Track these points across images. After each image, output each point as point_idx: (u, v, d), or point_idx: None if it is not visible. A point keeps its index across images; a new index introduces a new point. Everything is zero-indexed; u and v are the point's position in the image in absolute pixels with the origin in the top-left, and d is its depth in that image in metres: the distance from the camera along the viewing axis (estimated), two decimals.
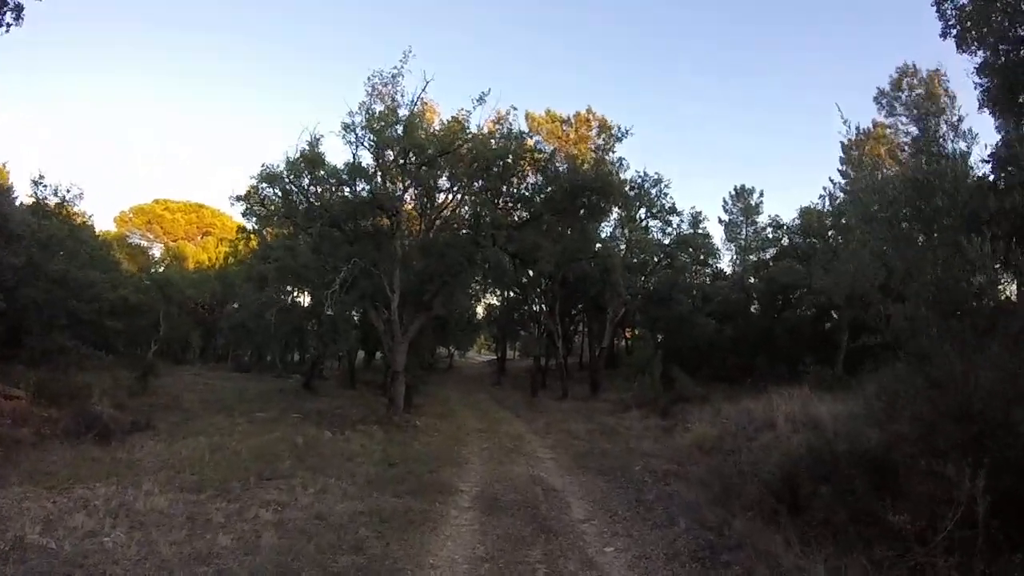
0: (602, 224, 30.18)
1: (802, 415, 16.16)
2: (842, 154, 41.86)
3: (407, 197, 21.56)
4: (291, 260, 20.45)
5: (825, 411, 15.55)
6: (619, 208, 21.16)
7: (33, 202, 26.46)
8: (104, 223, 60.32)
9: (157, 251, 57.22)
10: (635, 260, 31.38)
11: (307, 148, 19.26)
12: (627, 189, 26.12)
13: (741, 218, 40.49)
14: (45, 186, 26.48)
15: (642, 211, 31.04)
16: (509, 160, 18.98)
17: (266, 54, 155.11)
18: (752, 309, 37.07)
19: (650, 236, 31.35)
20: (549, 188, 20.91)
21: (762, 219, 39.52)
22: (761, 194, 40.78)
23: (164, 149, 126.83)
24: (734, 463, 13.29)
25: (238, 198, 20.79)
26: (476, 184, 19.75)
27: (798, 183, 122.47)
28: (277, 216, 21.33)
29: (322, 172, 19.52)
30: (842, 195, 38.05)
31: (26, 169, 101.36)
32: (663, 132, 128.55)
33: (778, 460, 12.32)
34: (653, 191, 30.15)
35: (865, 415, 13.65)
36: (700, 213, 32.66)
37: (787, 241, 31.68)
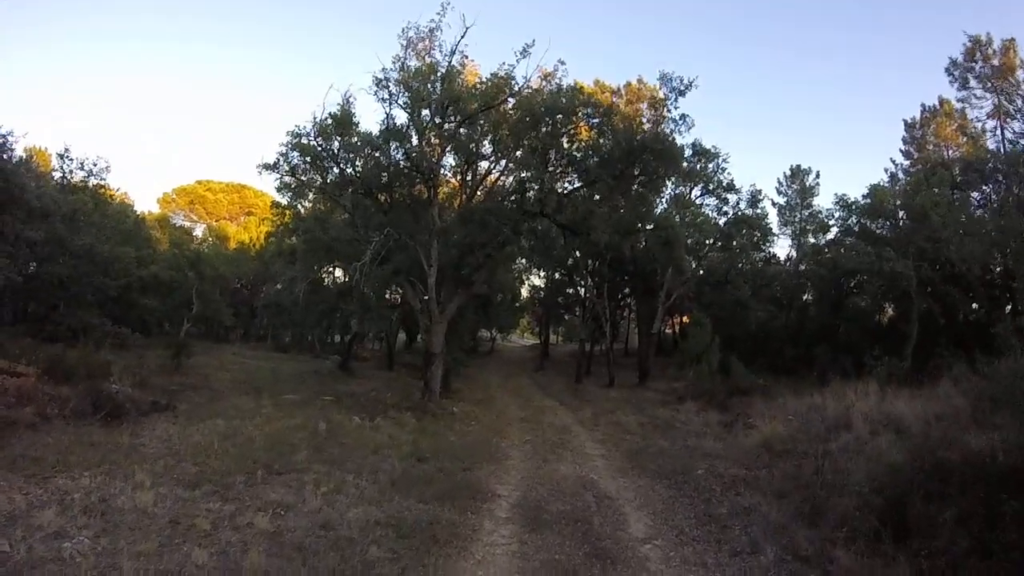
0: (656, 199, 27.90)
1: (879, 414, 14.46)
2: (905, 133, 40.03)
3: (446, 163, 19.73)
4: (321, 233, 18.74)
5: (905, 410, 14.05)
6: (678, 177, 18.65)
7: (60, 176, 25.30)
8: (149, 204, 60.17)
9: (200, 232, 56.65)
10: (689, 240, 28.94)
11: (337, 110, 17.49)
12: (690, 154, 23.43)
13: (796, 200, 37.75)
14: (71, 159, 25.29)
15: (697, 188, 28.69)
16: (559, 117, 16.79)
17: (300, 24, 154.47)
18: (805, 297, 34.42)
19: (706, 215, 28.87)
20: (604, 148, 18.41)
21: (819, 201, 36.81)
22: (817, 175, 38.00)
23: (207, 130, 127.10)
24: (816, 471, 11.20)
25: (266, 167, 19.11)
26: (522, 145, 17.49)
27: (846, 165, 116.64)
28: (308, 186, 19.66)
29: (355, 139, 17.70)
30: (903, 177, 35.43)
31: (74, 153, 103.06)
32: (713, 104, 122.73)
33: (870, 470, 10.35)
34: (710, 166, 27.83)
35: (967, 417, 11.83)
36: (760, 191, 30.09)
37: (854, 222, 28.83)
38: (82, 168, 25.71)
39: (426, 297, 17.78)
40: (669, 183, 24.12)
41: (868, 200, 28.00)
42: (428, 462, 12.07)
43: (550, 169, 17.29)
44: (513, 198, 18.54)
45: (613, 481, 11.69)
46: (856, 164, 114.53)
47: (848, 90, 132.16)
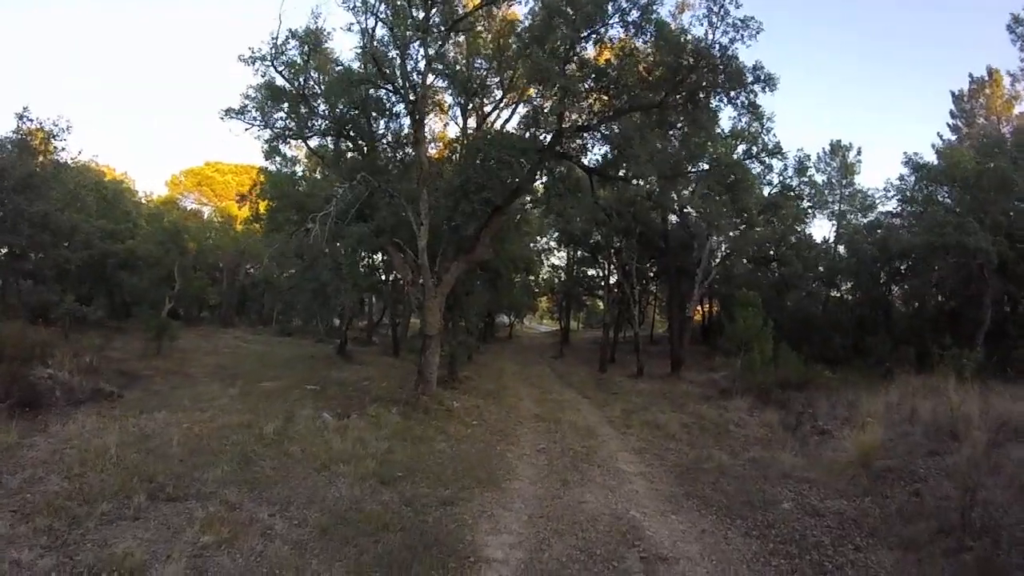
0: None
1: (993, 418, 11.00)
2: (952, 106, 36.55)
3: (438, 85, 15.60)
4: (292, 188, 14.88)
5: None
6: (742, 106, 14.04)
7: (17, 138, 21.64)
8: (158, 187, 57.51)
9: (208, 213, 53.38)
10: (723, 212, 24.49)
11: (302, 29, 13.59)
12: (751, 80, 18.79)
13: (837, 177, 33.39)
14: (30, 119, 21.65)
15: (741, 147, 24.26)
16: (586, 10, 12.32)
17: None
18: (847, 282, 29.96)
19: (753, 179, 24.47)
20: (643, 59, 13.77)
21: (860, 180, 32.40)
22: (859, 152, 33.63)
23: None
24: (961, 510, 7.32)
25: (229, 112, 15.31)
26: (534, 57, 12.96)
27: (882, 146, 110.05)
28: (282, 135, 15.81)
29: (327, 66, 13.75)
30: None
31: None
32: None
33: None
34: (755, 126, 23.50)
35: None
36: (808, 157, 25.55)
37: (919, 190, 24.31)
38: (42, 128, 21.97)
39: (418, 264, 13.74)
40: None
41: (941, 164, 23.57)
42: (395, 486, 8.25)
43: (571, 89, 12.87)
44: (525, 134, 14.22)
45: (664, 523, 7.74)
46: (891, 145, 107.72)
47: (882, 66, 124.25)
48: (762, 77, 12.97)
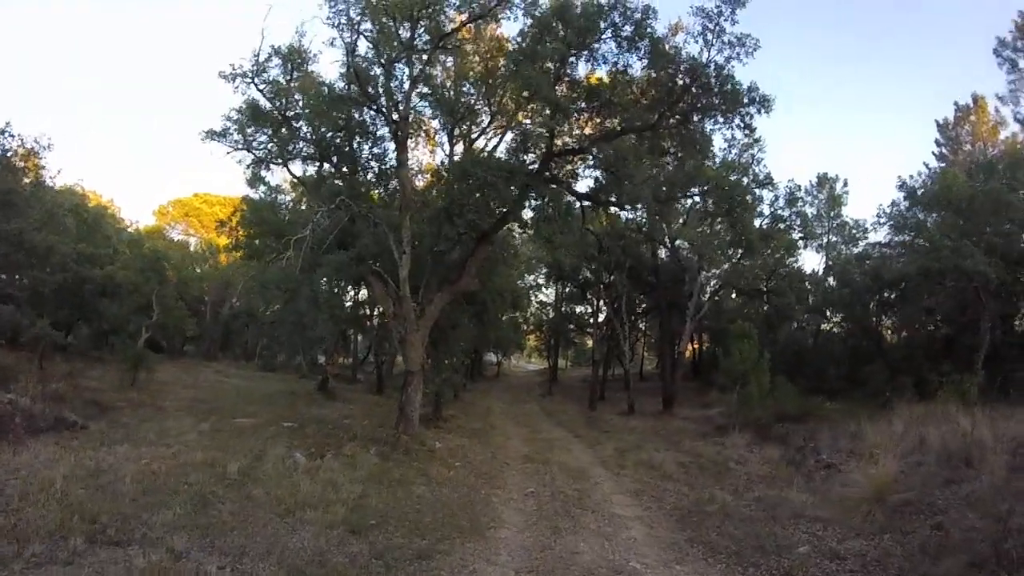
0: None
1: (1007, 442, 10.53)
2: (938, 135, 36.51)
3: (424, 113, 14.98)
4: (272, 215, 14.13)
5: None
6: (738, 127, 13.33)
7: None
8: (145, 217, 56.76)
9: (195, 245, 52.47)
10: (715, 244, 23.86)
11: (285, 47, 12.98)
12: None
13: (824, 209, 33.34)
14: (12, 135, 20.90)
15: (732, 178, 23.81)
16: (579, 25, 11.66)
17: None
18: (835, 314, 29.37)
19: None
20: (636, 81, 12.58)
21: (847, 211, 32.34)
22: (845, 184, 34.03)
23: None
24: (993, 542, 6.63)
25: (208, 134, 14.61)
26: (523, 79, 12.21)
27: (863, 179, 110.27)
28: (258, 153, 15.11)
29: (310, 90, 13.10)
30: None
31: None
32: None
33: None
34: (745, 155, 23.22)
35: None
36: (799, 187, 25.14)
37: (910, 216, 23.90)
38: (23, 145, 21.24)
39: (400, 296, 12.89)
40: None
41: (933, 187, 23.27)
42: (366, 536, 7.34)
43: (562, 106, 12.18)
44: (512, 160, 13.44)
45: (668, 574, 6.82)
46: (875, 177, 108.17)
47: (865, 96, 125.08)
48: (757, 99, 12.42)
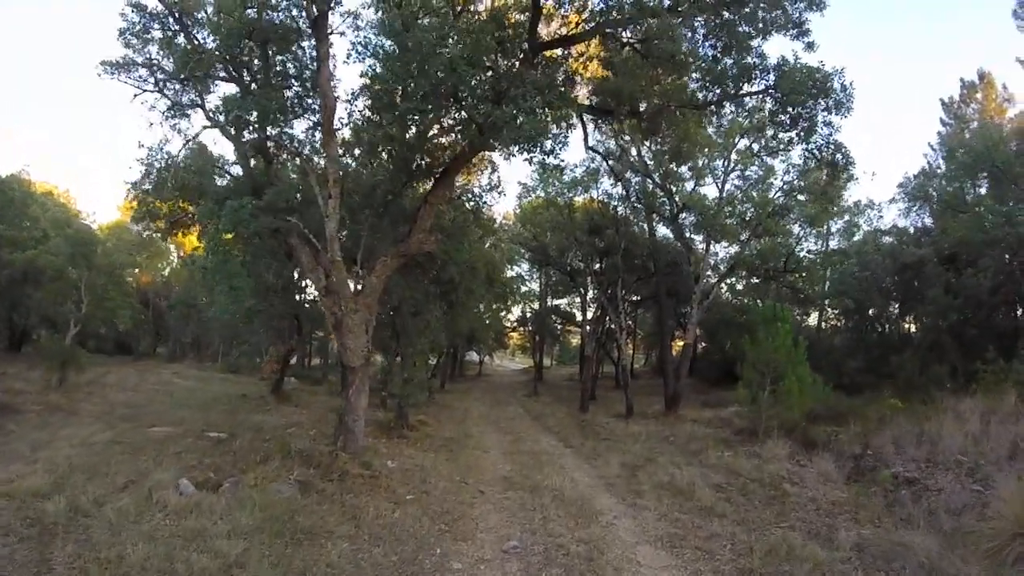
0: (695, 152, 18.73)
1: None
2: (943, 114, 33.32)
3: None
4: (188, 174, 10.16)
5: None
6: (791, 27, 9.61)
7: None
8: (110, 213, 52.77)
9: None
10: (730, 215, 19.98)
11: None
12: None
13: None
14: None
15: (743, 142, 20.08)
16: None
17: None
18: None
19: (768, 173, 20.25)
20: None
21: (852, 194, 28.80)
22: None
23: None
24: None
25: (105, 67, 10.80)
26: None
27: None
28: (169, 89, 11.18)
29: None
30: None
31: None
32: None
33: None
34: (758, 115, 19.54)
35: None
36: (820, 149, 21.25)
37: (942, 186, 20.48)
38: None
39: (329, 258, 8.93)
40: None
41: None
42: None
43: None
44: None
45: None
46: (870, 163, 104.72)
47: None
48: None
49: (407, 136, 9.15)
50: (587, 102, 10.19)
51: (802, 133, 8.88)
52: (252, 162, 10.92)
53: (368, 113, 9.07)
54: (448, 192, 10.20)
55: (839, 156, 9.38)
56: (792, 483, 9.96)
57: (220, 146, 49.19)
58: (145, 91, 11.84)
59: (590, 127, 11.43)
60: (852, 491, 9.52)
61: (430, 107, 7.34)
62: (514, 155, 9.38)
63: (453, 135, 10.14)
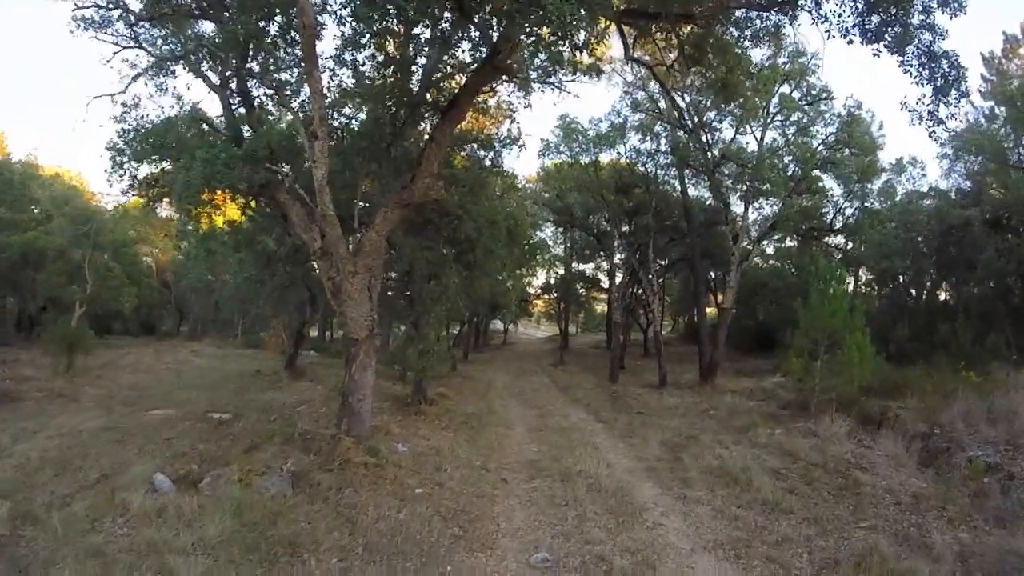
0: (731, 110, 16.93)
1: None
2: (984, 70, 30.39)
3: None
4: (165, 128, 8.83)
5: None
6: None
7: None
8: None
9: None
10: (771, 169, 18.09)
11: None
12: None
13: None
14: None
15: (775, 98, 18.17)
16: None
17: None
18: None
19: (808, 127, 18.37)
20: None
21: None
22: (881, 126, 27.62)
23: None
24: None
25: (82, 22, 9.48)
26: None
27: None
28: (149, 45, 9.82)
29: None
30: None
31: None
32: None
33: None
34: (800, 60, 17.67)
35: None
36: (860, 104, 19.34)
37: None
38: None
39: (321, 214, 7.52)
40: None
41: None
42: None
43: None
44: None
45: None
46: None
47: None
48: None
49: (406, 51, 7.66)
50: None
51: (894, 41, 7.18)
52: (238, 114, 9.58)
53: (354, 23, 7.52)
54: (452, 127, 8.56)
55: (947, 68, 7.48)
56: (861, 469, 8.54)
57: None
58: (125, 47, 10.61)
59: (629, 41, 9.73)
60: (929, 478, 8.12)
61: None
62: (536, 78, 7.89)
63: (459, 51, 8.58)
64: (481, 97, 12.14)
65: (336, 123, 8.86)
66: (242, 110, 9.71)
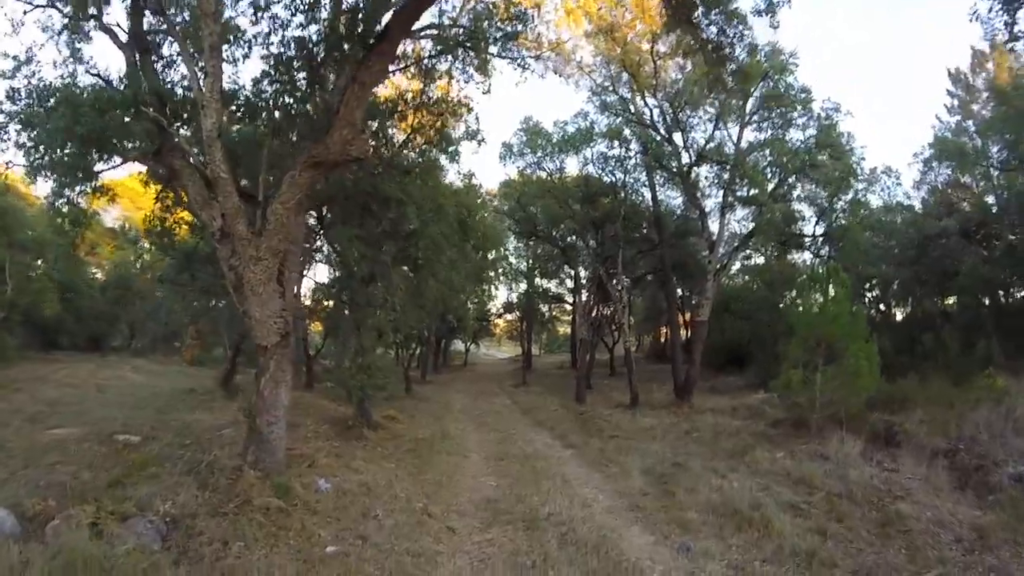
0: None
1: None
2: (950, 86, 31.17)
3: None
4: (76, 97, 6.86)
5: None
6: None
7: None
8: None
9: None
10: (742, 183, 16.84)
11: None
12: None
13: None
14: None
15: (751, 100, 16.89)
16: None
17: None
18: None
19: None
20: None
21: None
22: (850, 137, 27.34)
23: None
24: None
25: None
26: None
27: None
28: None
29: None
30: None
31: None
32: None
33: None
34: (779, 59, 16.48)
35: None
36: (838, 108, 18.25)
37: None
38: None
39: (214, 176, 5.59)
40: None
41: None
42: None
43: None
44: None
45: None
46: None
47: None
48: None
49: None
50: None
51: None
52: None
53: None
54: (380, 75, 6.69)
55: None
56: (897, 498, 6.87)
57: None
58: (37, 6, 8.68)
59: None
60: (970, 502, 6.54)
61: None
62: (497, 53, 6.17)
63: None
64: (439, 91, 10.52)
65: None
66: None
